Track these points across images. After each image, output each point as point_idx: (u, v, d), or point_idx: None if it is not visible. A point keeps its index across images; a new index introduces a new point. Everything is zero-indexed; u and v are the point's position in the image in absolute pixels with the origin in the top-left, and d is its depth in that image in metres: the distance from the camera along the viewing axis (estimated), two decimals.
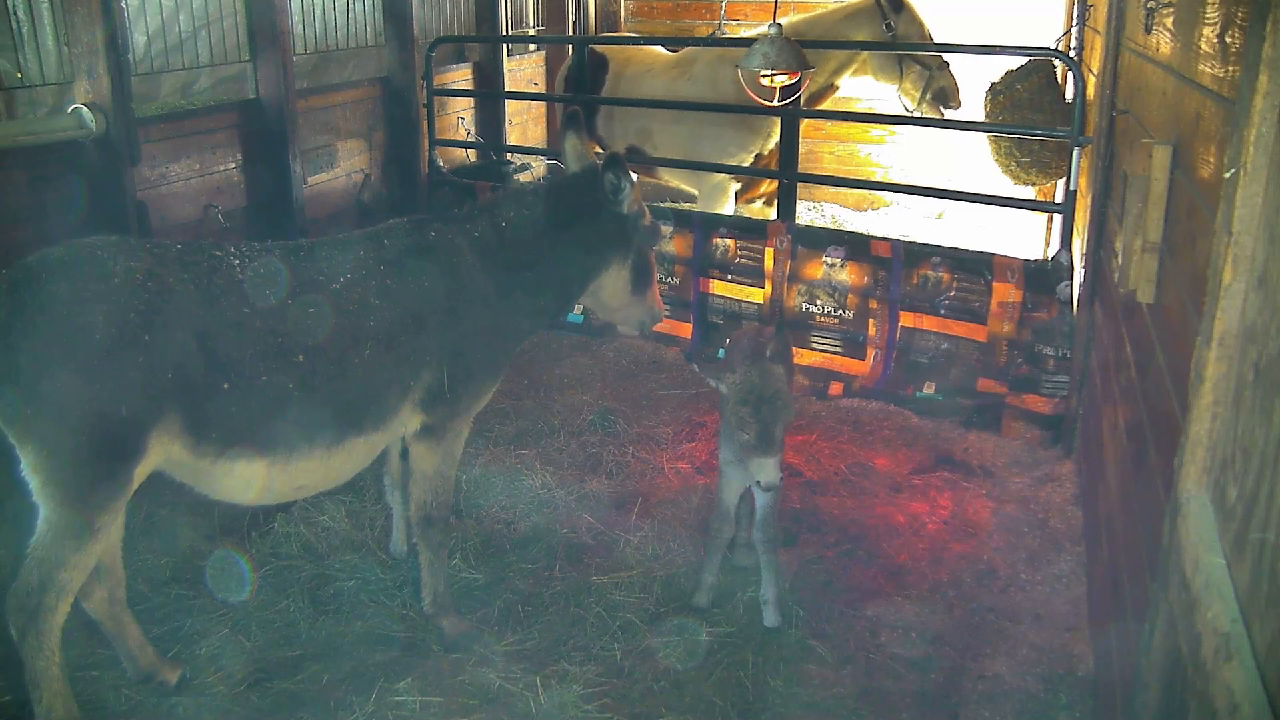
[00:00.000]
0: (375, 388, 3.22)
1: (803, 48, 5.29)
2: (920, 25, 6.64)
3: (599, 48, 7.69)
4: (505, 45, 8.90)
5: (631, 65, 7.49)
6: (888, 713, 3.32)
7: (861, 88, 7.59)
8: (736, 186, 7.14)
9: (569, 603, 3.82)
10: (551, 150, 9.31)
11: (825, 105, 7.14)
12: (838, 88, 6.99)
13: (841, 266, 5.64)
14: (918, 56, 6.57)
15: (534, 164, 8.20)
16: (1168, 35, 3.05)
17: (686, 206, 8.64)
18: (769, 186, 7.08)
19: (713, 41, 7.14)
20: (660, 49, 7.74)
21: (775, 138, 7.00)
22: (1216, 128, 2.17)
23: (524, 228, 3.54)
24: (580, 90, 6.76)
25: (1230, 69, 2.05)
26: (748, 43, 5.78)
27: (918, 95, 6.69)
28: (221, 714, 3.26)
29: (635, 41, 8.14)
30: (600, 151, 3.61)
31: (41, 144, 4.45)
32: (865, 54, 6.63)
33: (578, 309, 4.43)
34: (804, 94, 6.77)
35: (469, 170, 7.73)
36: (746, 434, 3.34)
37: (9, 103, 4.61)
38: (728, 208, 7.00)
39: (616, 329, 3.98)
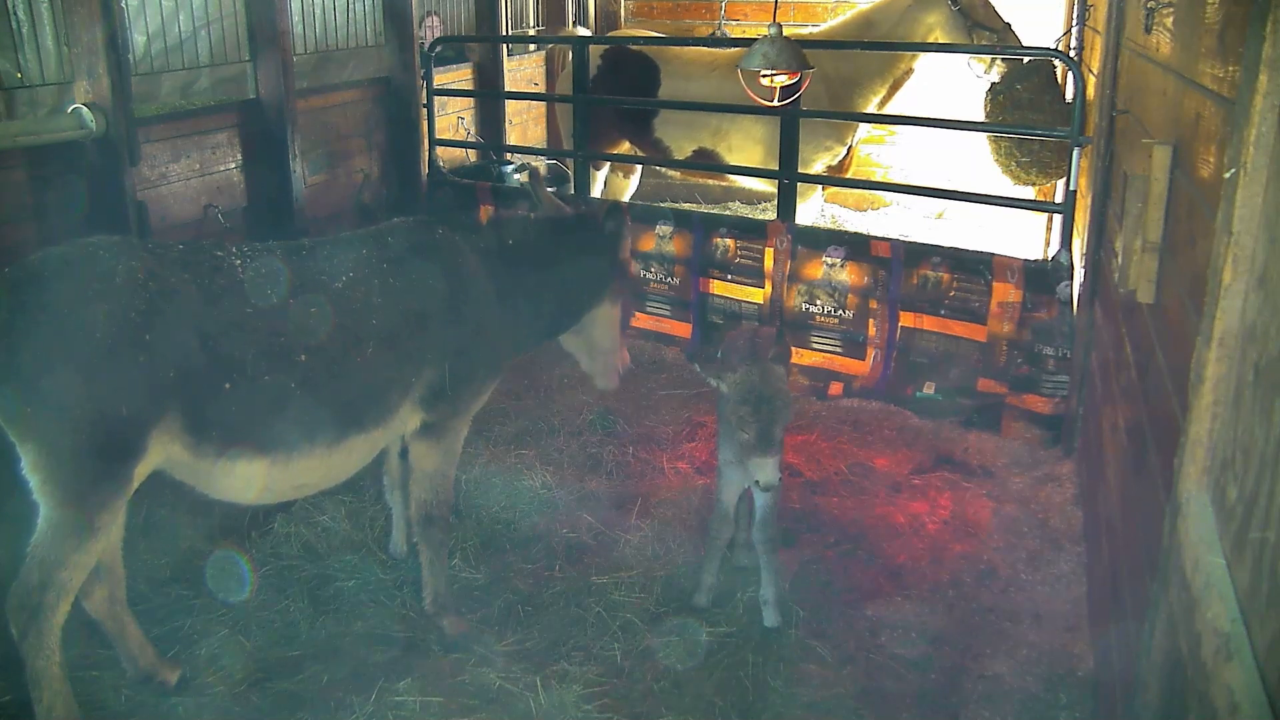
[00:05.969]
0: (377, 386, 3.23)
1: (803, 50, 5.27)
2: None
3: (637, 48, 7.58)
4: (505, 45, 8.90)
5: (687, 65, 7.31)
6: (888, 713, 3.32)
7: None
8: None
9: (569, 603, 3.82)
10: (551, 150, 9.33)
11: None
12: (914, 71, 6.99)
13: (841, 266, 5.63)
14: (986, 23, 6.58)
15: (534, 164, 8.18)
16: (1168, 35, 3.05)
17: (687, 206, 8.63)
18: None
19: (725, 41, 7.12)
20: (677, 48, 7.70)
21: (858, 132, 7.10)
22: (1216, 128, 2.17)
23: (527, 234, 3.69)
24: (583, 90, 6.73)
25: (1230, 69, 2.04)
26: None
27: (989, 60, 6.71)
28: (221, 714, 3.26)
29: (635, 41, 8.13)
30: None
31: (41, 144, 4.44)
32: (939, 30, 6.64)
33: None
34: (887, 85, 6.86)
35: (469, 170, 7.72)
36: (746, 433, 3.34)
37: (9, 103, 4.60)
38: (814, 205, 6.96)
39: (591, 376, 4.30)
